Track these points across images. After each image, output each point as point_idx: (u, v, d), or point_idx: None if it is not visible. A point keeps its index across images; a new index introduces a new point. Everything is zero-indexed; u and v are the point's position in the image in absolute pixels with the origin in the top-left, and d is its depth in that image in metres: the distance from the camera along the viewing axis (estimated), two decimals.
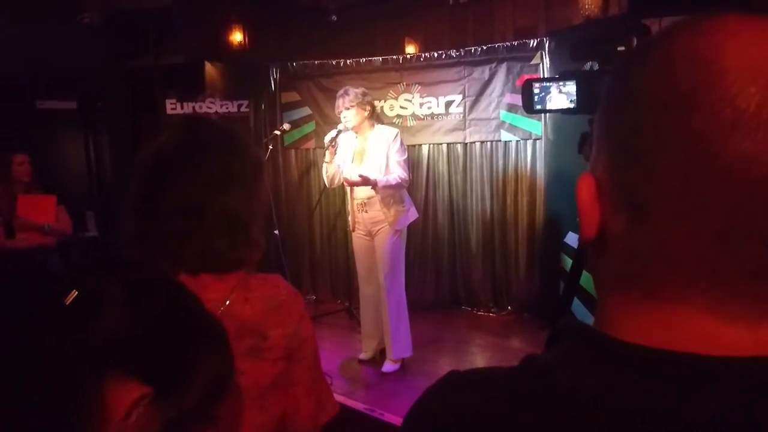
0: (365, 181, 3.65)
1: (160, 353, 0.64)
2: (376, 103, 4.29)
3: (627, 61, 0.47)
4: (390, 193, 3.75)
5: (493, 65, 4.93)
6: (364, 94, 3.76)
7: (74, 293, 0.59)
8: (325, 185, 4.07)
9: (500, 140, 5.02)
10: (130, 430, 0.60)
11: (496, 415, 0.47)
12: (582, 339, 0.47)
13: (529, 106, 1.86)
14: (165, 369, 0.64)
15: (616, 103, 0.46)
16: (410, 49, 5.57)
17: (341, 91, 3.78)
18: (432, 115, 5.18)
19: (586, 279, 3.50)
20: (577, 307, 3.74)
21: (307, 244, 5.71)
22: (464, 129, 5.10)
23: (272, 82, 5.56)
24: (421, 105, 5.19)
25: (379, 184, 3.66)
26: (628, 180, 0.44)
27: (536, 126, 4.83)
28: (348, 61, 5.31)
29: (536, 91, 1.81)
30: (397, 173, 3.69)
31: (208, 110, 5.39)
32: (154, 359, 0.63)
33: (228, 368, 0.74)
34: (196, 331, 0.70)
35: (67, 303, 0.58)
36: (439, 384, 0.55)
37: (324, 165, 3.91)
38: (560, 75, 1.81)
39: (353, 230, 3.98)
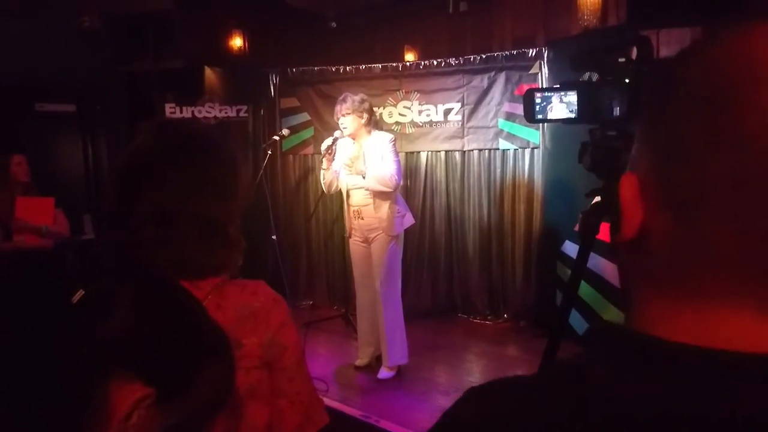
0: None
1: (165, 356, 0.65)
2: (375, 109, 4.29)
3: (673, 62, 0.47)
4: (382, 196, 3.76)
5: (492, 74, 4.95)
6: (362, 101, 3.76)
7: (81, 293, 0.60)
8: (323, 191, 4.07)
9: (498, 148, 5.03)
10: (130, 431, 0.61)
11: (535, 420, 0.45)
12: (621, 340, 0.46)
13: (531, 116, 1.85)
14: (169, 371, 0.65)
15: (661, 104, 0.46)
16: (409, 56, 5.59)
17: (340, 98, 3.79)
18: (430, 123, 5.19)
19: (583, 289, 3.50)
20: (575, 317, 3.74)
21: (305, 249, 5.72)
22: (462, 137, 5.12)
23: (271, 87, 5.57)
24: (420, 112, 5.20)
25: (367, 176, 3.69)
26: (674, 178, 0.44)
27: (534, 135, 4.84)
28: (347, 67, 5.32)
29: (537, 100, 1.81)
30: (388, 168, 3.69)
31: (207, 115, 5.40)
32: (159, 361, 0.64)
33: (230, 375, 0.74)
34: (201, 336, 0.70)
35: (75, 302, 0.59)
36: (464, 397, 0.52)
37: (321, 172, 3.92)
38: (561, 85, 1.81)
39: (350, 236, 3.98)
